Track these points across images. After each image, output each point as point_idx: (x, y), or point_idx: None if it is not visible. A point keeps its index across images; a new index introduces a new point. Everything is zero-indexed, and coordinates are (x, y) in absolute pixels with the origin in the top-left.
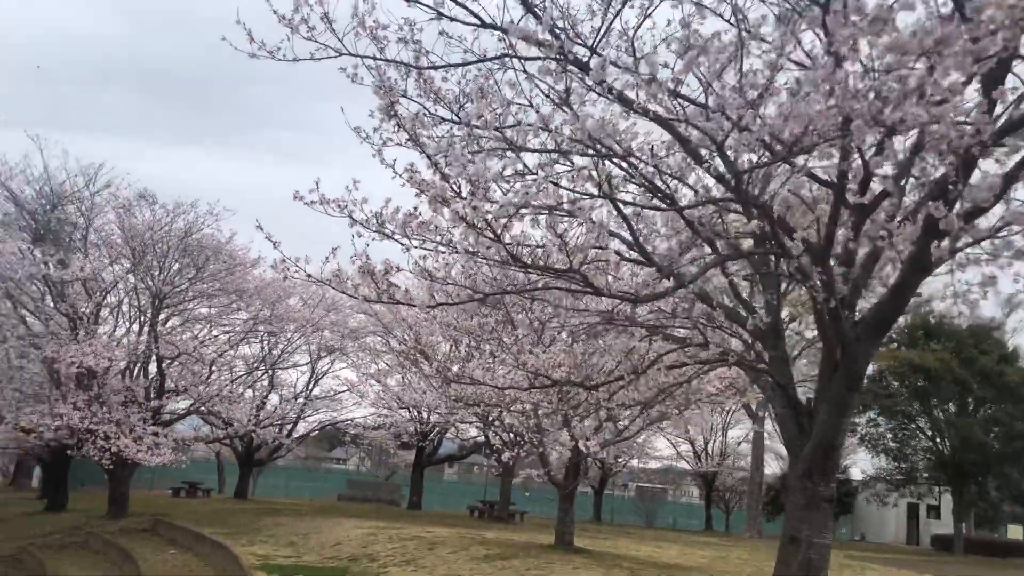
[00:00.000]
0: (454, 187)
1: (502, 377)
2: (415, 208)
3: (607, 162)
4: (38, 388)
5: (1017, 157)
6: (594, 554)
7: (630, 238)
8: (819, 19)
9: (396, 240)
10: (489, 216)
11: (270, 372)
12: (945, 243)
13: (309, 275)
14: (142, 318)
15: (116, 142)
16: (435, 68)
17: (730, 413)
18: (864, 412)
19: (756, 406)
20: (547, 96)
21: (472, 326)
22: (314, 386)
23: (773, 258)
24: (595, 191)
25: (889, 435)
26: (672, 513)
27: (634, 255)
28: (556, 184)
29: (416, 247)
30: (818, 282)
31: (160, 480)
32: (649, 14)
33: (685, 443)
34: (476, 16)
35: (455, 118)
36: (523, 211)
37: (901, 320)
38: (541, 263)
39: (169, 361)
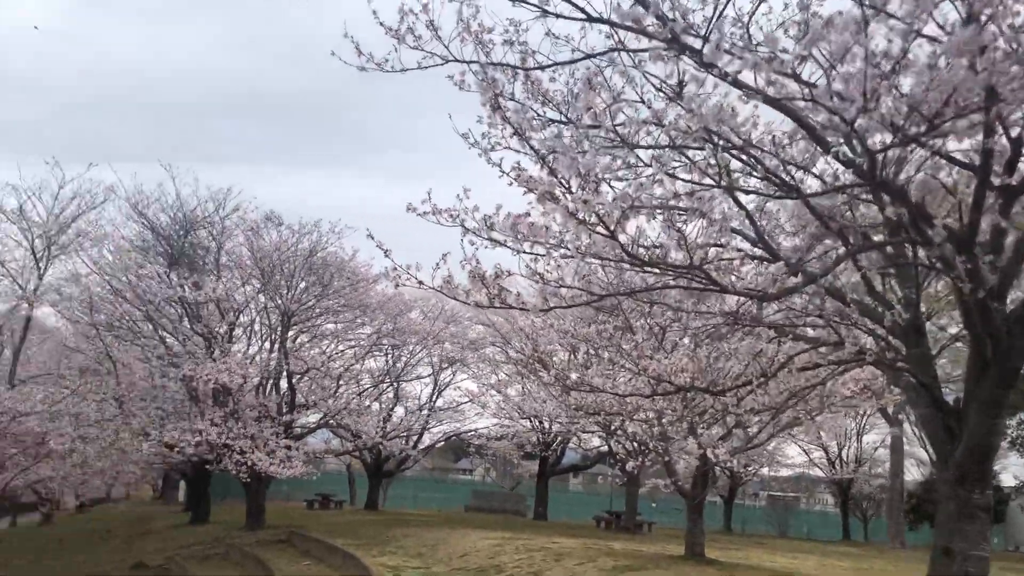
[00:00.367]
0: (563, 182)
1: (623, 384)
2: (527, 212)
3: (725, 154)
4: (179, 405)
5: None
6: (727, 565)
7: (753, 234)
8: None
9: (507, 246)
10: (601, 211)
11: (395, 384)
12: None
13: (420, 282)
14: (273, 336)
15: (240, 169)
16: (542, 68)
17: (865, 417)
18: (1016, 412)
19: (893, 409)
20: (659, 90)
21: (590, 333)
22: (437, 397)
23: (911, 248)
24: (714, 181)
25: None
26: (806, 522)
27: (758, 251)
28: (672, 176)
29: (526, 251)
30: (963, 272)
31: (295, 492)
32: None
33: (818, 449)
34: (582, 11)
35: (564, 118)
36: (637, 206)
37: None
38: (659, 261)
39: (299, 376)
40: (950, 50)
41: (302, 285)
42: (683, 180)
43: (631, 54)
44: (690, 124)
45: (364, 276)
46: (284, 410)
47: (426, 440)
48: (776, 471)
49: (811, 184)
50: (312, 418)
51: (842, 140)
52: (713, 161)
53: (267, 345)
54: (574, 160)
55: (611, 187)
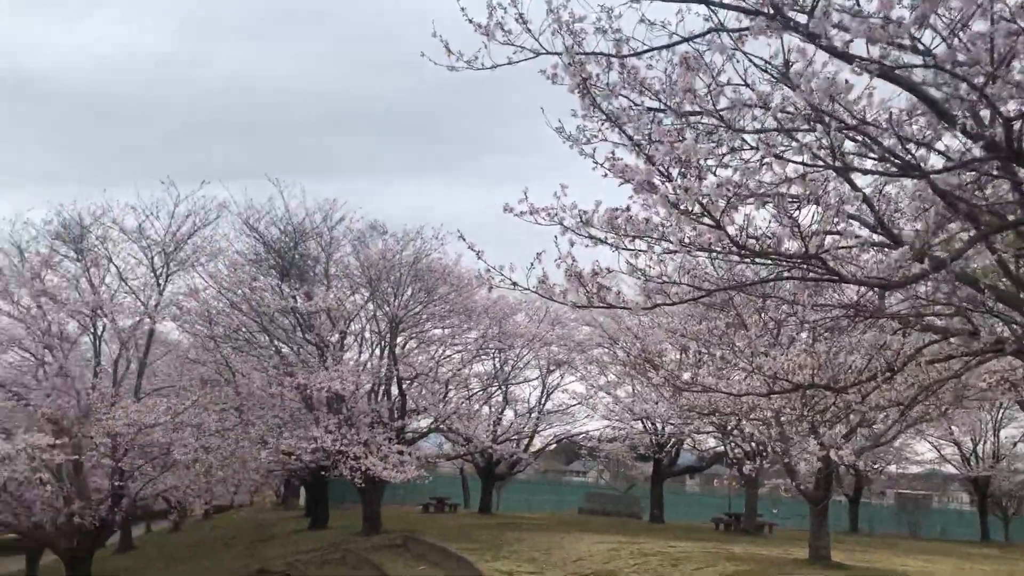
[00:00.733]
0: (661, 169)
1: (737, 383)
2: (627, 206)
3: (838, 134)
4: (295, 413)
5: None
6: (855, 570)
7: (871, 219)
8: None
9: (606, 243)
10: (705, 199)
11: (503, 388)
12: None
13: (515, 283)
14: (382, 343)
15: (344, 182)
16: (638, 55)
17: (1002, 409)
18: None
19: None
20: (764, 71)
21: (700, 331)
22: (546, 400)
23: None
24: (827, 162)
25: None
26: (939, 522)
27: (878, 238)
28: (780, 157)
29: (626, 247)
30: None
31: (410, 496)
32: None
33: (950, 445)
34: None
35: (663, 106)
36: (744, 194)
37: None
38: (771, 252)
39: (408, 382)
40: None
41: (408, 292)
42: (794, 162)
43: (731, 35)
44: (797, 104)
45: (468, 281)
46: (395, 415)
47: (537, 443)
48: (904, 468)
49: (934, 162)
50: (423, 423)
51: (967, 113)
52: (825, 142)
53: (377, 352)
54: (673, 146)
55: (714, 174)
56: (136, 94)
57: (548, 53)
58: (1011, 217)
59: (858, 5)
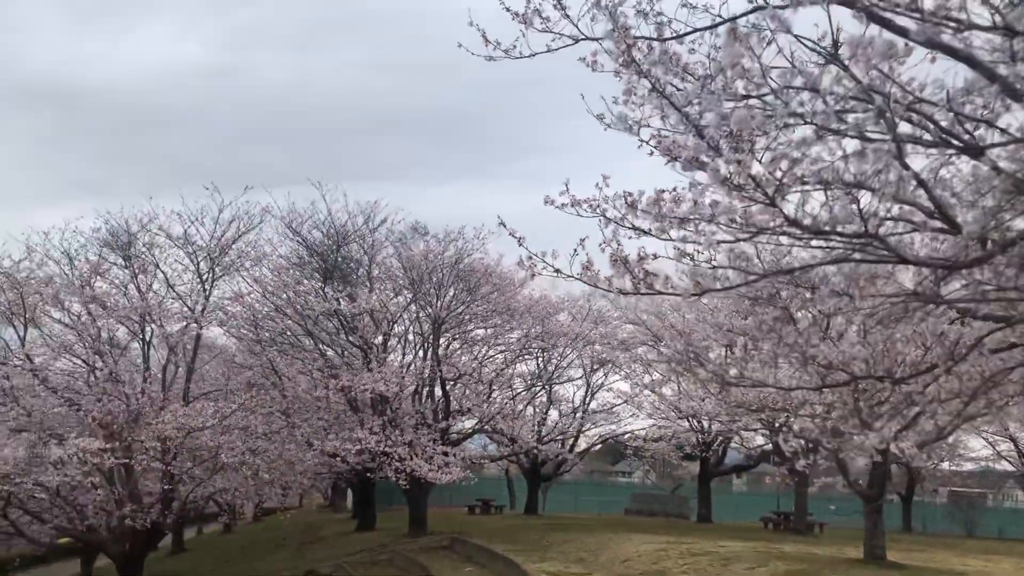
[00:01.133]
0: (711, 142)
1: (786, 378)
2: (674, 187)
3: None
4: (340, 415)
5: None
6: (912, 569)
7: (928, 204)
8: None
9: (651, 234)
10: (758, 174)
11: (547, 388)
12: None
13: (557, 270)
14: (425, 344)
15: (387, 187)
16: (680, 37)
17: None
18: None
19: None
20: (813, 50)
21: (747, 325)
22: (590, 400)
23: None
24: (884, 137)
25: None
26: (995, 520)
27: (935, 223)
28: (836, 131)
29: (671, 238)
30: None
31: (457, 497)
32: None
33: (1005, 441)
34: None
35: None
36: (798, 171)
37: None
38: (829, 230)
39: (452, 383)
40: None
41: (450, 293)
42: (851, 136)
43: (778, 10)
44: (848, 84)
45: (510, 280)
46: (439, 416)
47: (582, 443)
48: (959, 465)
49: (996, 141)
50: (468, 424)
51: None
52: (881, 121)
53: (420, 353)
54: (724, 118)
55: (769, 148)
56: (183, 105)
57: (588, 39)
58: None
59: None
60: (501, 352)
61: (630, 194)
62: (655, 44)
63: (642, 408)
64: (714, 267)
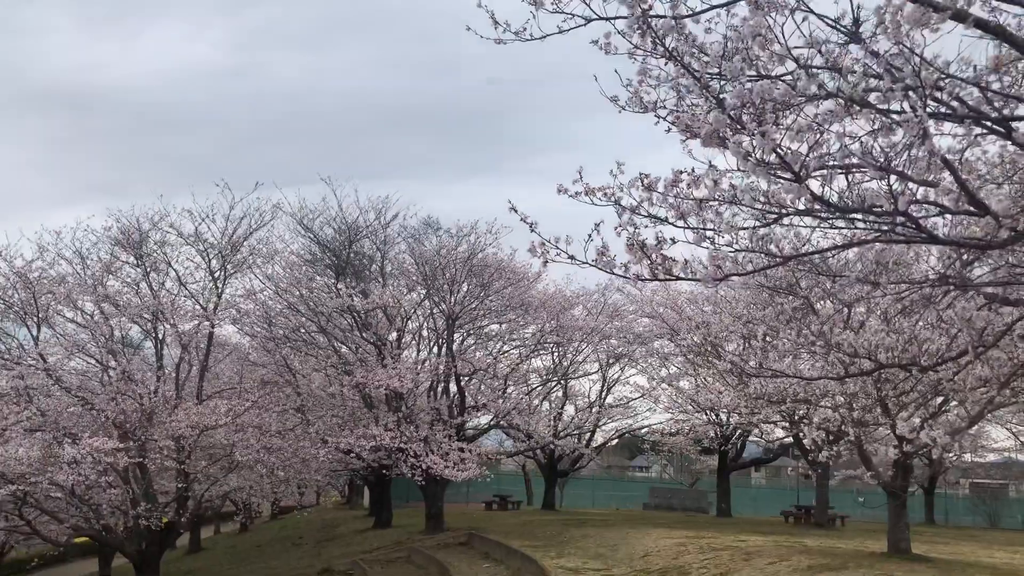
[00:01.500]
0: (732, 116)
1: (808, 368)
2: (692, 168)
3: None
4: (355, 412)
5: None
6: (938, 562)
7: (953, 187)
8: None
9: (668, 222)
10: (783, 148)
11: (563, 383)
12: None
13: (571, 256)
14: (440, 340)
15: (400, 184)
16: (695, 15)
17: None
18: None
19: None
20: (833, 28)
21: (766, 315)
22: (607, 394)
23: None
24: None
25: None
26: (1019, 512)
27: (962, 206)
28: (864, 103)
29: (688, 225)
30: None
31: (474, 493)
32: None
33: None
34: None
35: (723, 74)
36: (825, 156)
37: None
38: (858, 208)
39: (467, 378)
40: None
41: (464, 288)
42: (877, 108)
43: None
44: (869, 63)
45: (524, 275)
46: (455, 412)
47: (599, 438)
48: (982, 456)
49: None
50: (483, 419)
51: None
52: (911, 95)
53: (435, 349)
54: (746, 87)
55: (791, 128)
56: (195, 106)
57: (601, 19)
58: None
59: None
60: (516, 347)
61: (646, 176)
62: (672, 23)
63: (659, 402)
64: (736, 251)
